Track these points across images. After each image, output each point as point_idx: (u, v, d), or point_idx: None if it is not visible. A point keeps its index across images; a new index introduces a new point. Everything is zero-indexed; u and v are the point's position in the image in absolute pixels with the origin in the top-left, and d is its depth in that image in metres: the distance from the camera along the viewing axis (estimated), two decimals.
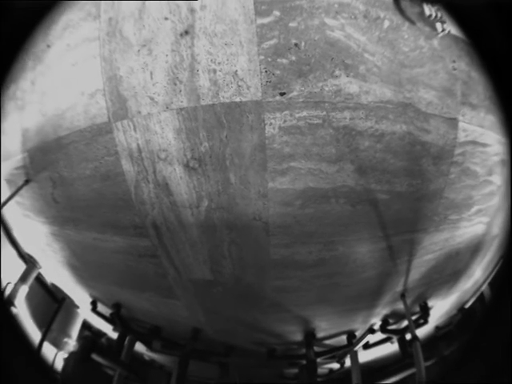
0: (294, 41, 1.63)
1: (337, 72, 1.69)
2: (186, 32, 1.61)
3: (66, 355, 3.62)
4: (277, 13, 1.56)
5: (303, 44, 1.64)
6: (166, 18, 1.58)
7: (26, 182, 2.34)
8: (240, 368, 3.76)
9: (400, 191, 2.11)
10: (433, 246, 2.59)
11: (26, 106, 2.00)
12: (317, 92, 1.72)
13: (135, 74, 1.70)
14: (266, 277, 2.34)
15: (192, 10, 1.57)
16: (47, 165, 2.11)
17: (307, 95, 1.72)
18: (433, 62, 1.71)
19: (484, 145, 2.00)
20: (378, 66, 1.70)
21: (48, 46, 1.81)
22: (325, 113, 1.79)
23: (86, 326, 4.09)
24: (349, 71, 1.69)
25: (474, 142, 1.96)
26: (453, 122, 1.91)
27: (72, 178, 2.08)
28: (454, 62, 1.75)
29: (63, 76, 1.83)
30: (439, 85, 1.80)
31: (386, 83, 1.78)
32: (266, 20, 1.56)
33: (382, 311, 3.27)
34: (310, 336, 3.17)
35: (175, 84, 1.68)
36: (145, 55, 1.66)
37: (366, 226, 2.24)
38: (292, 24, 1.59)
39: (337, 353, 3.64)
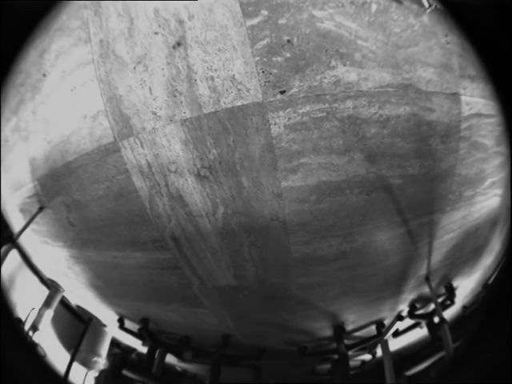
0: (286, 37, 1.59)
1: (333, 63, 1.63)
2: (179, 44, 1.59)
3: (96, 374, 3.60)
4: (264, 12, 1.52)
5: (295, 39, 1.60)
6: (156, 33, 1.55)
7: (40, 209, 2.34)
8: (272, 369, 3.67)
9: (412, 174, 2.03)
10: (452, 225, 2.49)
11: (31, 135, 2.00)
12: (316, 85, 1.67)
13: (134, 92, 1.68)
14: (290, 275, 2.28)
15: (181, 21, 1.54)
16: (59, 190, 2.10)
17: (307, 90, 1.67)
18: (426, 39, 1.65)
19: (489, 116, 1.92)
20: (372, 50, 1.64)
21: (44, 75, 1.80)
22: (327, 105, 1.74)
23: (114, 343, 4.09)
24: (345, 60, 1.63)
25: (478, 115, 1.88)
26: (455, 97, 1.83)
27: (86, 200, 2.07)
28: (446, 35, 1.69)
29: (63, 102, 1.83)
30: (436, 61, 1.73)
31: (384, 67, 1.72)
32: (255, 21, 1.53)
33: (409, 297, 3.16)
34: (340, 330, 3.08)
35: (175, 96, 1.65)
36: (141, 71, 1.64)
37: (383, 213, 2.16)
38: (281, 21, 1.55)
39: (367, 344, 3.54)
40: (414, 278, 2.91)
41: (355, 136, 1.84)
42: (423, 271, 2.87)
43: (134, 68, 1.65)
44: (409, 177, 2.03)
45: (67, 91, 1.80)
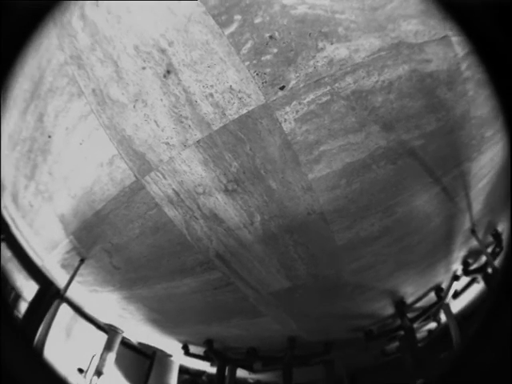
0: (267, 35, 1.50)
1: (320, 44, 1.54)
2: (168, 71, 1.54)
3: None
4: (238, 17, 1.46)
5: (277, 33, 1.52)
6: (144, 68, 1.51)
7: (82, 261, 2.33)
8: (343, 359, 3.46)
9: (431, 130, 1.88)
10: (482, 171, 2.28)
11: (53, 195, 2.00)
12: (312, 71, 1.58)
13: (141, 128, 1.66)
14: (340, 264, 2.15)
15: (163, 50, 1.50)
16: (96, 239, 2.08)
17: (305, 78, 1.59)
18: None
19: None
20: (352, 20, 1.54)
21: (49, 137, 1.80)
22: (329, 87, 1.63)
23: (183, 370, 4.07)
24: (330, 38, 1.54)
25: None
26: (446, 41, 1.69)
27: (124, 242, 2.04)
28: None
29: (76, 157, 1.82)
30: (415, 10, 1.60)
31: (369, 33, 1.61)
32: (232, 28, 1.46)
33: (460, 254, 2.93)
34: (401, 305, 2.87)
35: (182, 122, 1.60)
36: (142, 108, 1.62)
37: (414, 177, 2.01)
38: (257, 20, 1.48)
39: (430, 312, 3.28)
40: (460, 234, 2.69)
41: (365, 109, 1.72)
42: (467, 225, 2.65)
43: (134, 106, 1.62)
44: (428, 134, 1.89)
45: (76, 145, 1.79)
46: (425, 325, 3.56)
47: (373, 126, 1.75)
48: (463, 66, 1.75)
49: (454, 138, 1.98)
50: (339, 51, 1.54)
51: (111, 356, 3.16)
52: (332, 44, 1.52)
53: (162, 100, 1.58)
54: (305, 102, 1.61)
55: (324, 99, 1.63)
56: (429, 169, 2.03)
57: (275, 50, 1.51)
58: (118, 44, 1.50)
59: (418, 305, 3.14)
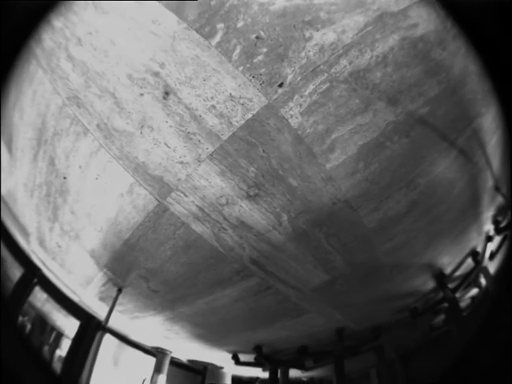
0: (252, 36, 1.46)
1: (307, 34, 1.51)
2: (166, 93, 1.53)
3: None
4: (220, 25, 1.44)
5: (262, 33, 1.49)
6: (142, 94, 1.50)
7: (119, 290, 2.33)
8: (392, 342, 3.33)
9: (435, 95, 1.82)
10: (493, 125, 2.18)
11: (79, 233, 2.00)
12: (305, 62, 1.55)
13: (153, 153, 1.67)
14: (374, 246, 2.10)
15: (156, 73, 1.49)
16: (130, 267, 2.08)
17: (300, 71, 1.56)
18: None
19: None
20: (332, 2, 1.50)
21: (65, 178, 1.80)
22: (326, 74, 1.58)
23: (236, 380, 4.01)
24: (315, 25, 1.51)
25: None
26: (426, 1, 1.60)
27: (159, 265, 2.04)
28: None
29: (95, 192, 1.83)
30: None
31: (351, 11, 1.57)
32: (217, 37, 1.44)
33: (489, 214, 2.81)
34: (440, 276, 2.76)
35: (191, 138, 1.58)
36: (149, 133, 1.62)
37: (429, 146, 1.94)
38: (239, 24, 1.44)
39: (470, 278, 3.13)
40: (485, 194, 2.58)
41: (366, 88, 1.67)
42: (490, 183, 2.53)
43: (141, 133, 1.62)
44: (433, 99, 1.82)
45: (93, 181, 1.80)
46: (467, 292, 3.41)
47: (378, 103, 1.69)
48: (449, 24, 1.69)
49: (459, 97, 1.91)
50: (327, 36, 1.50)
51: (162, 378, 3.15)
52: (318, 31, 1.48)
53: (167, 121, 1.57)
54: (306, 93, 1.58)
55: (324, 87, 1.59)
56: (442, 134, 1.95)
57: (265, 50, 1.49)
58: (111, 77, 1.50)
59: (458, 273, 3.02)
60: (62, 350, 3.50)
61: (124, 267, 2.12)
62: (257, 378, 3.93)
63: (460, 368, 0.55)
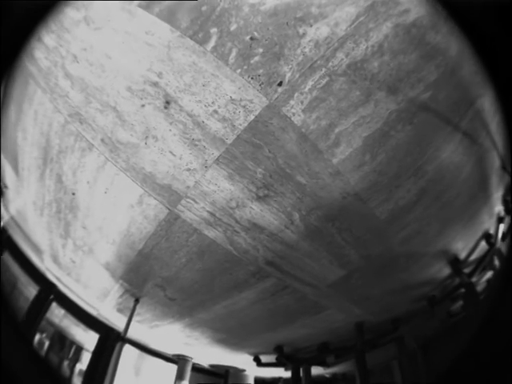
0: (247, 38, 1.45)
1: (300, 30, 1.49)
2: (167, 102, 1.53)
3: None
4: (214, 29, 1.43)
5: (256, 33, 1.48)
6: (143, 105, 1.50)
7: (136, 301, 2.33)
8: (412, 332, 3.28)
9: (435, 79, 1.79)
10: (495, 105, 2.12)
11: (93, 247, 2.00)
12: (302, 59, 1.54)
13: (160, 162, 1.67)
14: (388, 238, 2.08)
15: (155, 84, 1.49)
16: (145, 277, 2.07)
17: (298, 68, 1.54)
18: None
19: None
20: None
21: (73, 194, 1.80)
22: (324, 69, 1.57)
23: (259, 381, 4.00)
24: (308, 21, 1.49)
25: None
26: None
27: (174, 273, 2.03)
28: None
29: (104, 206, 1.83)
30: None
31: (342, 3, 1.54)
32: (212, 42, 1.44)
33: (498, 195, 2.75)
34: (455, 262, 2.72)
35: (196, 145, 1.57)
36: (154, 143, 1.62)
37: (434, 131, 1.92)
38: (232, 27, 1.43)
39: (485, 261, 3.07)
40: (493, 175, 2.53)
41: (365, 79, 1.65)
42: (497, 163, 2.48)
43: (146, 144, 1.61)
44: (433, 84, 1.80)
45: (102, 195, 1.79)
46: (483, 276, 3.35)
47: (378, 93, 1.67)
48: (439, 6, 1.66)
49: (458, 79, 1.87)
50: (321, 30, 1.49)
51: None
52: (311, 26, 1.47)
53: (170, 130, 1.56)
54: (306, 90, 1.56)
55: (323, 82, 1.57)
56: (445, 118, 1.92)
57: (261, 50, 1.48)
58: (110, 91, 1.50)
59: (472, 258, 2.97)
60: (83, 364, 3.51)
61: (140, 277, 2.12)
62: (279, 378, 3.92)
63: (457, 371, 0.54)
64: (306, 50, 1.49)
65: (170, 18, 1.36)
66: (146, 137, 1.59)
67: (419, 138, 1.82)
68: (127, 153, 1.64)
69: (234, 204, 1.72)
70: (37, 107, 1.66)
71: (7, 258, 2.81)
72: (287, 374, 3.37)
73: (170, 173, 1.67)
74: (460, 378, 0.55)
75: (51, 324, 3.33)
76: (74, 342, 3.57)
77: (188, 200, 1.74)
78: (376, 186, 1.77)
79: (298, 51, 1.50)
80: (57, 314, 3.37)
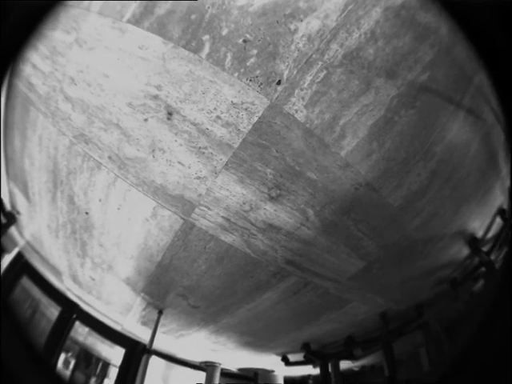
0: (240, 40, 1.45)
1: (292, 26, 1.49)
2: (170, 113, 1.53)
3: None
4: (206, 37, 1.42)
5: (248, 35, 1.47)
6: (146, 119, 1.49)
7: (160, 312, 2.33)
8: (436, 316, 3.22)
9: (430, 59, 1.77)
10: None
11: (112, 263, 2.00)
12: (297, 55, 1.54)
13: (170, 173, 1.67)
14: (404, 224, 2.05)
15: (155, 97, 1.49)
16: (167, 288, 2.06)
17: (294, 64, 1.54)
18: None
19: None
20: None
21: (87, 213, 1.80)
22: (320, 62, 1.55)
23: (289, 381, 3.99)
24: (298, 16, 1.49)
25: None
26: None
27: (195, 281, 2.03)
28: None
29: (119, 222, 1.83)
30: None
31: None
32: (206, 49, 1.44)
33: (508, 169, 2.68)
34: (473, 241, 2.66)
35: (203, 152, 1.57)
36: (161, 155, 1.62)
37: (437, 111, 1.90)
38: (224, 32, 1.43)
39: (501, 238, 2.99)
40: (501, 150, 2.47)
41: (363, 68, 1.63)
42: (503, 137, 2.43)
43: (154, 157, 1.61)
44: (430, 64, 1.78)
45: (115, 212, 1.80)
46: (501, 253, 3.28)
47: (377, 79, 1.65)
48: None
49: (454, 57, 1.84)
50: (312, 24, 1.48)
51: None
52: (302, 21, 1.47)
53: (176, 141, 1.56)
54: (305, 86, 1.55)
55: (321, 75, 1.56)
56: (447, 97, 1.89)
57: (255, 51, 1.48)
58: (111, 108, 1.50)
59: (489, 236, 2.91)
60: (110, 379, 3.51)
61: (161, 289, 2.12)
62: (309, 376, 3.88)
63: (457, 371, 0.53)
64: (300, 45, 1.49)
65: (160, 30, 1.36)
66: (153, 150, 1.59)
67: (424, 121, 1.79)
68: (136, 168, 1.64)
69: (247, 207, 1.71)
70: (41, 132, 1.68)
71: (26, 282, 2.83)
72: (316, 371, 3.35)
73: (180, 183, 1.67)
74: (460, 378, 0.54)
75: (76, 343, 3.35)
76: (100, 358, 3.58)
77: (201, 208, 1.74)
78: (386, 173, 1.74)
79: (293, 48, 1.49)
80: (81, 332, 3.39)
